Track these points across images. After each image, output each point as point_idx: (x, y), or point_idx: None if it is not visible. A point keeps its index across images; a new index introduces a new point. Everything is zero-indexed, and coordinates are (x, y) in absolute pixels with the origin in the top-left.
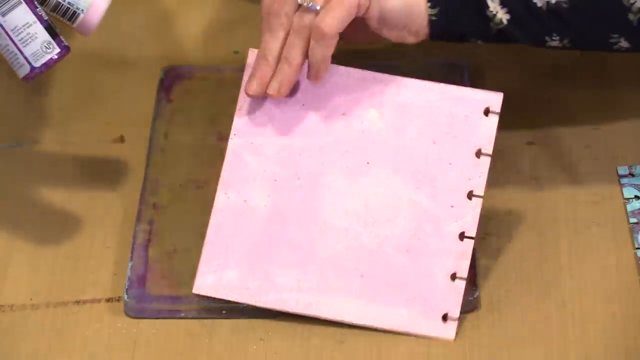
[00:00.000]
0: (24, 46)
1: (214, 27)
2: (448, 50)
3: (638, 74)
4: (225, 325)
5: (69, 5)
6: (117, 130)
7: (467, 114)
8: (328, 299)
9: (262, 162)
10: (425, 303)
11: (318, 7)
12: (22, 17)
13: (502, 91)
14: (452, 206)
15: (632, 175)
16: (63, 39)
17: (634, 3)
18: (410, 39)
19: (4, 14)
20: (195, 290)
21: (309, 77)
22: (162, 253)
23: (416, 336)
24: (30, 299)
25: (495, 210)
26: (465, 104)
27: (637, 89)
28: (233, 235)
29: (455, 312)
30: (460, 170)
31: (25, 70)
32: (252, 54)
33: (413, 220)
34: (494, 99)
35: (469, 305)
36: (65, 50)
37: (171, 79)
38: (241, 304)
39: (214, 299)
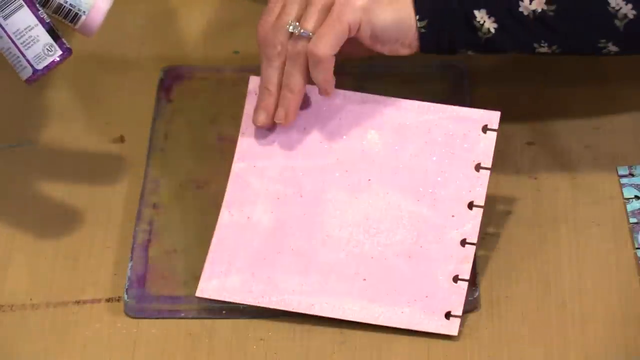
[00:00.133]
0: (26, 49)
1: (214, 27)
2: None
3: (638, 74)
4: (225, 325)
5: (70, 7)
6: (117, 130)
7: (466, 132)
8: (330, 299)
9: (265, 183)
10: (428, 302)
11: (310, 33)
12: (24, 20)
13: (501, 91)
14: (452, 216)
15: (632, 175)
16: (65, 41)
17: (619, 10)
18: (404, 52)
19: (5, 17)
20: (198, 294)
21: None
22: (162, 253)
23: (419, 332)
24: (30, 299)
25: (495, 210)
26: (464, 123)
27: (637, 89)
28: (236, 246)
29: (457, 311)
30: (460, 183)
31: (27, 72)
32: (252, 82)
33: (414, 229)
34: (492, 117)
35: (469, 305)
36: (67, 52)
37: (171, 79)
38: (242, 304)
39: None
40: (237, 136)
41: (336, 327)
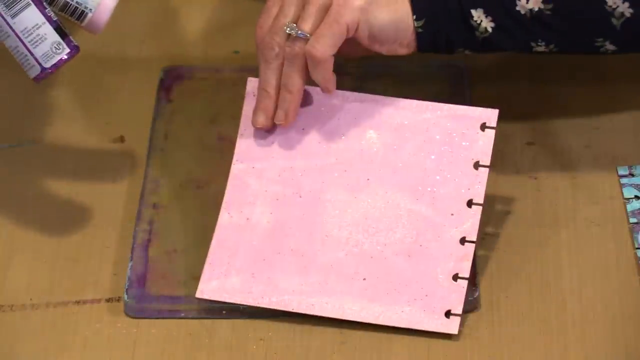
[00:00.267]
0: (34, 47)
1: (214, 27)
2: None
3: (638, 73)
4: (225, 325)
5: (77, 5)
6: (117, 130)
7: (464, 131)
8: (330, 299)
9: (264, 184)
10: (428, 301)
11: (307, 34)
12: (32, 19)
13: (501, 91)
14: (452, 214)
15: (632, 175)
16: (72, 39)
17: (615, 8)
18: (402, 51)
19: (13, 16)
20: (198, 295)
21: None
22: (162, 253)
23: (419, 332)
24: (30, 299)
25: (495, 210)
26: (462, 121)
27: (637, 89)
28: (236, 247)
29: (458, 309)
30: (459, 181)
31: (35, 71)
32: (250, 83)
33: (413, 228)
34: (490, 115)
35: (469, 305)
36: (74, 50)
37: (171, 79)
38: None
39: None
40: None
41: (336, 327)
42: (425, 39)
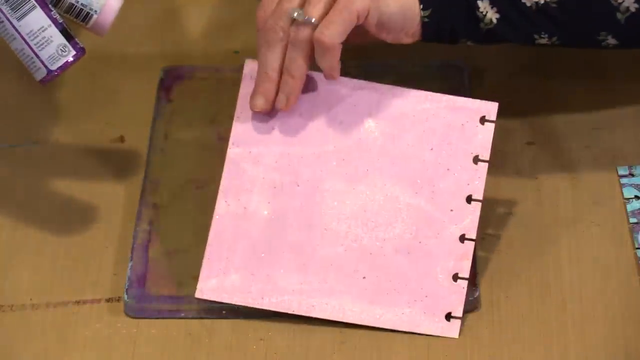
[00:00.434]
0: (39, 50)
1: (214, 27)
2: (448, 50)
3: (638, 73)
4: (225, 325)
5: (82, 7)
6: (117, 130)
7: (464, 123)
8: (330, 300)
9: (261, 170)
10: (428, 303)
11: (313, 20)
12: (37, 21)
13: (501, 91)
14: (451, 210)
15: (632, 175)
16: (78, 41)
17: (621, 2)
18: (407, 40)
19: (19, 18)
20: (197, 295)
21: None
22: (162, 253)
23: (420, 335)
24: (30, 299)
25: (495, 210)
26: (461, 113)
27: (637, 89)
28: (234, 241)
29: (458, 311)
30: (459, 176)
31: (42, 73)
32: (248, 65)
33: (412, 223)
34: (490, 108)
35: (469, 305)
36: (80, 52)
37: (171, 79)
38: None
39: None
40: None
41: (336, 327)
42: (430, 29)
